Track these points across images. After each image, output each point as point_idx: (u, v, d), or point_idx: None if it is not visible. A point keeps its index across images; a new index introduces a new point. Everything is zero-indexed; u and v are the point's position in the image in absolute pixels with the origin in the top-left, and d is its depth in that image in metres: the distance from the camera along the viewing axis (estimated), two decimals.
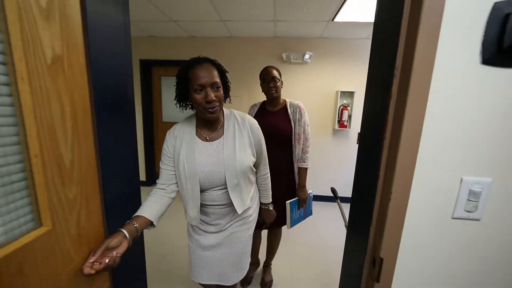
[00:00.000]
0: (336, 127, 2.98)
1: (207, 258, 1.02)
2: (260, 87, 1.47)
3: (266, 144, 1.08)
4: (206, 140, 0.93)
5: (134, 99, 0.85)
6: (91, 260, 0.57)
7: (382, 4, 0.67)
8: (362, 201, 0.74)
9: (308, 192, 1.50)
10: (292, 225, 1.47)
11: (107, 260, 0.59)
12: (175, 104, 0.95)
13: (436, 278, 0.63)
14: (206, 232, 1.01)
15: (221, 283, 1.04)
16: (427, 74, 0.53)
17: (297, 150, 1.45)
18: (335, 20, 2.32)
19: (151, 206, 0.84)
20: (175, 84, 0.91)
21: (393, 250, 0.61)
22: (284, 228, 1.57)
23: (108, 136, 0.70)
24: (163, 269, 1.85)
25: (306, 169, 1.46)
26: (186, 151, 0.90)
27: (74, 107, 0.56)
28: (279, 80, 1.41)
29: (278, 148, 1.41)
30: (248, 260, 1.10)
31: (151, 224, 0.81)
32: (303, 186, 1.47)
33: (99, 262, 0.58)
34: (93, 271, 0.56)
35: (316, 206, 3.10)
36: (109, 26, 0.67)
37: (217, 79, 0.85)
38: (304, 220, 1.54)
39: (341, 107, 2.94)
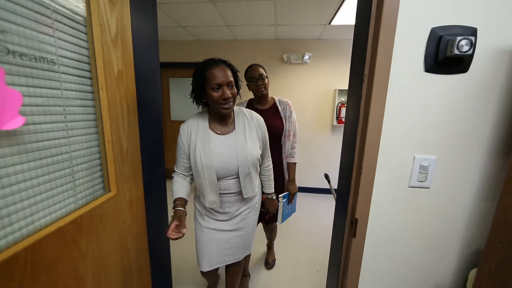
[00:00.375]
0: (335, 123, 3.16)
1: (218, 240, 1.09)
2: (247, 86, 1.45)
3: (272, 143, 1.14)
4: (218, 134, 1.01)
5: (160, 101, 1.06)
6: (173, 231, 0.82)
7: (356, 28, 0.86)
8: (344, 178, 0.94)
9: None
10: (283, 220, 1.48)
11: (184, 230, 0.84)
12: (192, 101, 1.02)
13: (398, 232, 0.83)
14: (217, 220, 1.09)
15: (230, 262, 1.15)
16: (385, 79, 0.72)
17: (287, 146, 1.47)
18: (332, 23, 2.50)
19: (182, 189, 1.01)
20: (191, 83, 0.98)
21: (365, 212, 0.81)
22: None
23: (145, 130, 0.91)
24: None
25: (295, 164, 1.50)
26: (202, 144, 0.97)
27: (128, 107, 0.77)
28: (266, 77, 1.41)
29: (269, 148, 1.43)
30: (254, 240, 1.22)
31: (186, 202, 0.99)
32: (293, 180, 1.50)
33: (178, 231, 0.83)
34: (176, 237, 0.81)
35: (315, 198, 3.30)
36: (146, 46, 0.88)
37: (231, 78, 0.94)
38: (290, 217, 1.59)
39: (339, 104, 3.11)
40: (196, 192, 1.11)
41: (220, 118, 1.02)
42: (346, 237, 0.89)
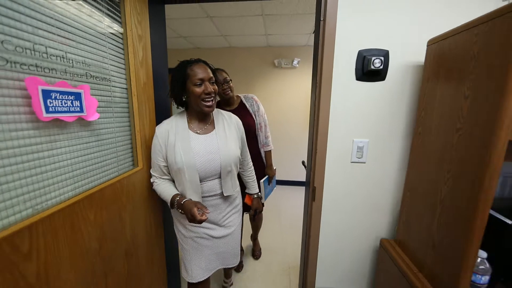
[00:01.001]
0: None
1: (206, 245, 1.05)
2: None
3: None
4: (198, 133, 1.00)
5: (169, 102, 1.36)
6: (200, 213, 0.85)
7: (314, 47, 1.17)
8: (309, 159, 1.24)
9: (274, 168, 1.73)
10: (265, 197, 1.63)
11: (207, 210, 0.88)
12: (171, 100, 1.03)
13: (345, 195, 1.13)
14: (202, 227, 1.04)
15: (221, 267, 1.13)
16: (329, 85, 1.03)
17: (261, 137, 1.62)
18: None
19: (172, 187, 1.00)
20: (170, 82, 0.98)
21: (321, 182, 1.12)
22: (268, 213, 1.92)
23: (159, 123, 1.21)
24: None
25: (270, 151, 1.68)
26: (181, 143, 0.94)
27: (149, 108, 1.08)
28: (230, 80, 1.50)
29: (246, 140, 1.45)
30: (239, 248, 1.21)
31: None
32: (270, 165, 1.69)
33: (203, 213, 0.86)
34: (205, 217, 0.85)
35: (301, 189, 3.60)
36: (160, 64, 1.19)
37: (212, 75, 0.96)
38: (272, 192, 1.81)
39: None
40: None
41: (200, 118, 1.02)
42: (310, 201, 1.19)
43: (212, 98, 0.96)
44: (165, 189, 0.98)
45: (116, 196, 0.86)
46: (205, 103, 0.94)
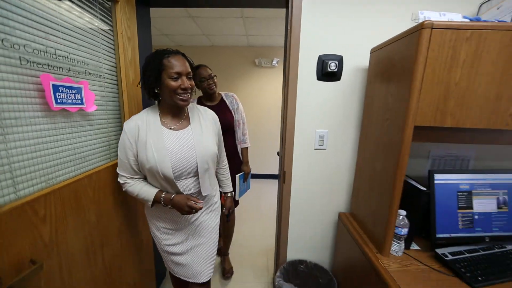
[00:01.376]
0: None
1: (182, 260, 1.02)
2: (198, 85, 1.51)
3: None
4: (172, 129, 0.93)
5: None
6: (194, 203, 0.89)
7: (284, 52, 1.36)
8: (281, 148, 1.43)
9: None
10: (240, 195, 1.64)
11: (200, 201, 0.91)
12: (144, 90, 0.93)
13: (309, 177, 1.34)
14: (175, 230, 1.00)
15: (198, 281, 1.03)
16: (295, 85, 1.22)
17: (239, 134, 1.67)
18: None
19: (149, 186, 0.94)
20: (142, 71, 0.89)
21: (290, 166, 1.32)
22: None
23: None
24: None
25: (247, 148, 1.72)
26: (153, 140, 0.88)
27: (138, 102, 1.20)
28: (215, 76, 1.55)
29: (224, 137, 1.37)
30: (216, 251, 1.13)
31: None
32: (246, 162, 1.71)
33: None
34: (200, 205, 0.89)
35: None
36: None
37: (190, 70, 0.89)
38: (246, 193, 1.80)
39: None
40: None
41: (174, 112, 0.95)
42: (281, 184, 1.39)
43: (188, 94, 0.90)
44: (144, 189, 0.92)
45: (110, 179, 0.99)
46: (180, 97, 0.88)
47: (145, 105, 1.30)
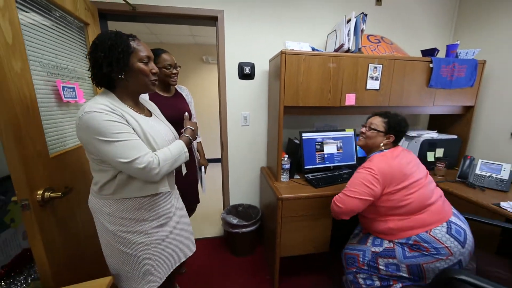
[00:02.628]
0: None
1: (169, 241, 0.99)
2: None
3: (174, 127, 1.06)
4: (143, 115, 0.89)
5: None
6: None
7: (217, 59, 1.93)
8: (220, 127, 2.02)
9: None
10: (204, 189, 1.74)
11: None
12: (96, 76, 0.82)
13: (239, 145, 1.98)
14: (164, 218, 0.97)
15: (186, 258, 1.08)
16: (224, 82, 1.82)
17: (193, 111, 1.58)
18: None
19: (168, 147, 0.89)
20: (99, 54, 0.77)
21: (226, 138, 1.93)
22: None
23: None
24: None
25: (200, 142, 1.75)
26: (145, 126, 0.84)
27: None
28: (180, 66, 1.42)
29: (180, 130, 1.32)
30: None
31: None
32: (204, 156, 1.75)
33: None
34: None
35: None
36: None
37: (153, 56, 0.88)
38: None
39: None
40: (121, 195, 0.86)
41: (135, 100, 0.90)
42: (222, 152, 1.99)
43: (157, 79, 0.89)
44: (168, 148, 0.88)
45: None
46: (153, 81, 0.87)
47: None
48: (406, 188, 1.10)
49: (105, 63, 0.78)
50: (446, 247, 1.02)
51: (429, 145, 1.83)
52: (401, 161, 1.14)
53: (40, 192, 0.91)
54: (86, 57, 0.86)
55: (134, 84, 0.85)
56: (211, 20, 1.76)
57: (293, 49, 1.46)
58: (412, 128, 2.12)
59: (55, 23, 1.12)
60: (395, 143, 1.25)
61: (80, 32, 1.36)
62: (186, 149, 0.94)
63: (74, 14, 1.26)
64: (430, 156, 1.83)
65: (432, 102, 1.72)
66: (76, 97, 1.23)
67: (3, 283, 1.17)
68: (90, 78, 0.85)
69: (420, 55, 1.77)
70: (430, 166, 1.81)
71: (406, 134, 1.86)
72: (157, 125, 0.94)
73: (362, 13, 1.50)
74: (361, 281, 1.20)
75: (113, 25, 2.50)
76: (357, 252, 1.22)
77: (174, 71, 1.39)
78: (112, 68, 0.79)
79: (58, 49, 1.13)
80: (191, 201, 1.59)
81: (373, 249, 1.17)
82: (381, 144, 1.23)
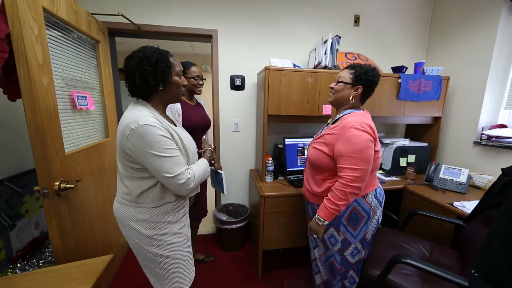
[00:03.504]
0: None
1: (189, 239, 1.09)
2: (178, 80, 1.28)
3: (199, 134, 1.41)
4: (172, 125, 0.97)
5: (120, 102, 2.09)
6: None
7: (211, 71, 2.15)
8: (214, 133, 2.22)
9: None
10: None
11: None
12: (135, 86, 0.88)
13: (231, 150, 2.17)
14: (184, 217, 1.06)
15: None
16: (217, 92, 2.03)
17: (209, 136, 1.76)
18: None
19: (198, 164, 1.00)
20: (147, 70, 0.84)
21: (218, 143, 2.13)
22: None
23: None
24: None
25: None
26: (183, 137, 0.95)
27: (112, 103, 1.83)
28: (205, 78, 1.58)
29: (199, 136, 1.55)
30: None
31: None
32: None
33: None
34: None
35: None
36: (115, 77, 1.93)
37: None
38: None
39: None
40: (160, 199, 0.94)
41: (164, 110, 0.99)
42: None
43: (185, 90, 1.01)
44: (200, 166, 0.98)
45: (102, 149, 1.63)
46: (183, 93, 0.99)
47: (119, 105, 1.93)
48: (377, 152, 1.12)
49: (151, 76, 0.86)
50: (372, 208, 1.14)
51: (401, 151, 2.02)
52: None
53: (57, 183, 1.10)
54: (123, 69, 0.92)
55: (170, 96, 0.95)
56: (207, 37, 1.98)
57: (275, 66, 1.68)
58: (389, 135, 2.32)
59: (73, 42, 1.34)
60: (364, 97, 1.15)
61: (92, 48, 1.58)
62: (209, 169, 1.04)
63: (88, 34, 1.48)
64: (403, 162, 2.03)
65: (402, 112, 1.93)
66: (87, 105, 1.44)
67: (19, 264, 1.35)
68: (126, 88, 0.92)
69: (390, 71, 1.99)
70: (402, 171, 2.00)
71: (382, 140, 2.08)
72: (185, 133, 1.04)
73: (337, 35, 1.72)
74: (347, 284, 1.25)
75: (119, 40, 2.73)
76: (331, 259, 1.23)
77: (200, 82, 1.56)
78: (158, 81, 0.88)
79: (75, 63, 1.35)
80: (199, 213, 1.69)
81: (336, 248, 1.18)
82: (350, 98, 1.13)
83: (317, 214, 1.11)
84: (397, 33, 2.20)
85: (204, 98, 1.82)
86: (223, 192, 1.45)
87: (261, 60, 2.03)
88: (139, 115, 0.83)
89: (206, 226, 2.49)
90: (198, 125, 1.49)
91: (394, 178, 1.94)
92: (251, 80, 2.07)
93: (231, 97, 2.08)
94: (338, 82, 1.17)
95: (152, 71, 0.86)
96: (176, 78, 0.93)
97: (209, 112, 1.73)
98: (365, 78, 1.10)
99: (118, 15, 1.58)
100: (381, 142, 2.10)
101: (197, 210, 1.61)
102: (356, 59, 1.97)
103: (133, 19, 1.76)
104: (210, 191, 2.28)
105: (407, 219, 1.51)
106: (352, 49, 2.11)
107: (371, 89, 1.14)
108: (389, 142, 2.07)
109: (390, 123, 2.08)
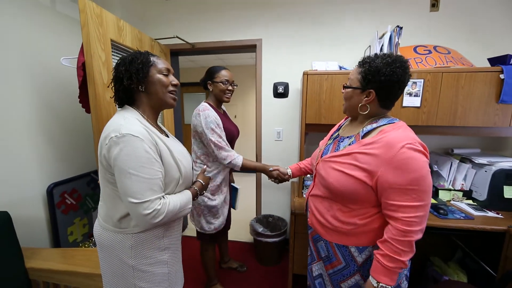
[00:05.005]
0: None
1: (179, 265, 0.96)
2: (214, 86, 1.37)
3: (234, 143, 1.46)
4: (163, 135, 0.85)
5: (180, 109, 2.39)
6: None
7: (255, 80, 2.17)
8: (256, 141, 2.21)
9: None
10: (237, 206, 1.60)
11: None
12: (118, 91, 0.80)
13: (273, 159, 2.09)
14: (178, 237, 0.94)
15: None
16: (260, 99, 2.02)
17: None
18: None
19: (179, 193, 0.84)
20: (120, 70, 0.78)
21: (260, 151, 2.10)
22: None
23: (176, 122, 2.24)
24: None
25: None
26: (173, 149, 0.81)
27: (171, 116, 2.11)
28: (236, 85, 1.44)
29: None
30: None
31: None
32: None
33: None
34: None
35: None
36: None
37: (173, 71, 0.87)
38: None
39: None
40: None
41: (155, 116, 0.87)
42: None
43: (176, 92, 0.86)
44: (179, 197, 0.81)
45: None
46: (171, 94, 0.84)
47: (178, 119, 2.22)
48: None
49: (126, 76, 0.78)
50: None
51: (506, 176, 1.41)
52: None
53: None
54: (111, 82, 0.84)
55: (154, 98, 0.82)
56: (251, 47, 2.02)
57: (316, 69, 1.52)
58: (486, 153, 1.67)
59: None
60: (386, 100, 0.82)
61: None
62: (191, 204, 0.85)
63: None
64: (508, 192, 1.40)
65: (508, 121, 1.35)
66: None
67: (93, 239, 1.73)
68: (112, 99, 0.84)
69: (487, 64, 1.43)
70: (506, 204, 1.39)
71: (470, 159, 1.51)
72: (178, 145, 0.89)
73: (397, 26, 1.39)
74: None
75: (182, 58, 3.15)
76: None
77: (230, 87, 1.38)
78: (132, 80, 0.78)
79: None
80: (229, 222, 1.59)
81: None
82: (360, 105, 0.84)
83: (376, 281, 0.75)
84: (497, 12, 1.58)
85: (246, 108, 1.83)
86: (234, 208, 1.39)
87: (306, 64, 1.89)
88: (123, 124, 0.72)
89: (246, 234, 2.48)
90: (232, 135, 1.43)
91: (491, 213, 1.37)
92: (295, 87, 1.96)
93: (273, 105, 2.02)
94: (344, 87, 0.89)
95: (126, 71, 0.78)
96: (159, 75, 0.81)
97: (253, 121, 1.73)
98: (377, 79, 0.77)
99: (174, 37, 1.82)
100: (471, 161, 1.54)
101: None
102: (430, 52, 1.54)
103: (188, 39, 2.00)
104: (252, 198, 2.23)
105: (510, 277, 1.02)
106: (426, 40, 1.66)
107: (392, 92, 0.80)
108: (485, 163, 1.48)
109: (485, 136, 1.49)
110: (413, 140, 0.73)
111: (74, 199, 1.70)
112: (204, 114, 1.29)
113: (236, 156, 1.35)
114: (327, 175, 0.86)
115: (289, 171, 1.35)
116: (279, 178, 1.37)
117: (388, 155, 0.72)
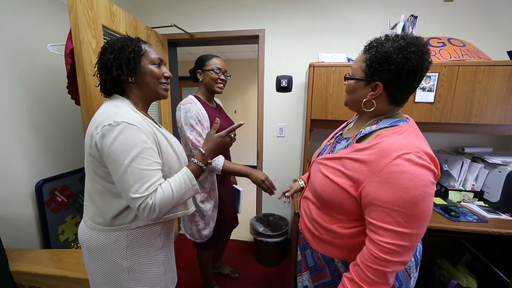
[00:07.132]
0: None
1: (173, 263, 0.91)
2: (204, 75, 1.23)
3: None
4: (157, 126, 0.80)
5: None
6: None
7: (257, 73, 2.06)
8: (257, 137, 2.13)
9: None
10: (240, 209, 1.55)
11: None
12: (104, 80, 0.74)
13: (274, 155, 2.01)
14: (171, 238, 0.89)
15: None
16: (262, 94, 1.92)
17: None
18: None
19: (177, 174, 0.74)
20: (106, 59, 0.71)
21: (261, 147, 2.01)
22: None
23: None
24: None
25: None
26: (170, 139, 0.79)
27: (169, 109, 2.01)
28: (229, 75, 1.30)
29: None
30: None
31: None
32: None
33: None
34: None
35: None
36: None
37: (166, 62, 0.82)
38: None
39: None
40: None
41: (147, 107, 0.82)
42: (257, 160, 2.08)
43: (168, 84, 0.82)
44: (177, 178, 0.72)
45: None
46: (163, 86, 0.79)
47: (174, 111, 2.12)
48: None
49: (114, 66, 0.71)
50: (408, 273, 0.77)
51: None
52: None
53: None
54: (94, 67, 0.77)
55: (145, 89, 0.77)
56: (254, 38, 1.91)
57: (323, 61, 1.42)
58: (499, 152, 1.60)
59: None
60: (397, 95, 0.65)
61: None
62: (194, 181, 0.74)
63: None
64: None
65: None
66: None
67: None
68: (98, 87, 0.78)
69: (506, 57, 1.35)
70: None
71: (483, 158, 1.43)
72: (173, 137, 0.85)
73: (412, 15, 1.30)
74: None
75: (181, 50, 3.02)
76: None
77: (222, 76, 1.25)
78: (122, 70, 0.72)
79: None
80: (230, 224, 1.45)
81: None
82: (364, 100, 0.68)
83: None
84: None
85: (248, 103, 1.74)
86: (237, 211, 1.30)
87: (312, 57, 1.79)
88: (117, 112, 0.66)
89: (247, 233, 2.42)
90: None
91: (504, 216, 1.30)
92: (299, 80, 1.86)
93: (276, 100, 1.92)
94: (346, 78, 0.73)
95: (115, 59, 0.71)
96: (151, 66, 0.76)
97: (253, 116, 1.64)
98: (386, 69, 0.61)
99: (171, 26, 1.70)
100: (484, 161, 1.47)
101: (225, 222, 1.38)
102: (444, 45, 1.44)
103: (187, 28, 1.88)
104: (252, 196, 2.18)
105: None
106: (440, 32, 1.57)
107: (405, 85, 0.62)
108: (499, 162, 1.41)
109: (500, 134, 1.41)
110: (416, 149, 0.57)
111: (65, 196, 1.61)
112: (185, 108, 1.16)
113: (216, 159, 1.16)
114: (314, 178, 0.76)
115: (302, 183, 1.18)
116: (270, 189, 1.22)
117: (378, 165, 0.58)
